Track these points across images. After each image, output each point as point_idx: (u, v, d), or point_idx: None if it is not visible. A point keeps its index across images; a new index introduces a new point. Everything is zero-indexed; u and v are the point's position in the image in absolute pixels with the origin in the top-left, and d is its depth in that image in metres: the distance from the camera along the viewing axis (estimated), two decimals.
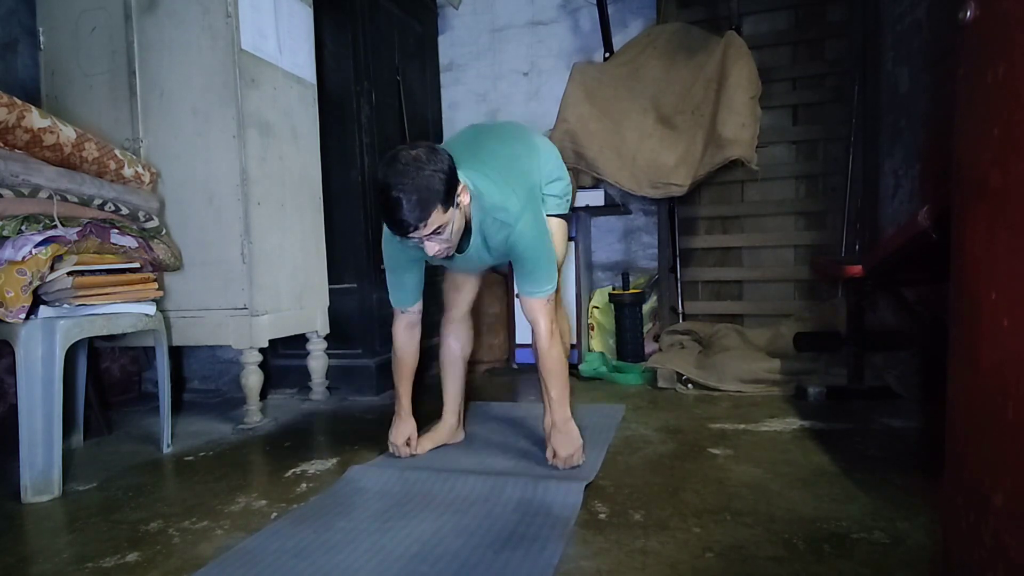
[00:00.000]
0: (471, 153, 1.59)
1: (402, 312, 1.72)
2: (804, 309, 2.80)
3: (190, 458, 1.89)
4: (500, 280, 3.11)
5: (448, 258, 1.55)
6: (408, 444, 1.76)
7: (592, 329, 3.12)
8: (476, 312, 2.99)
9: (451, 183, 1.36)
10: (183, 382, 2.92)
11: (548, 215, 1.72)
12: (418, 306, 1.73)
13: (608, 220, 3.42)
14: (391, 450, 1.77)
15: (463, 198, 1.42)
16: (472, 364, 3.07)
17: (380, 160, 1.38)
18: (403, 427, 1.77)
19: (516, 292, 1.64)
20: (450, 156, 1.39)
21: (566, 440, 1.61)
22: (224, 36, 2.10)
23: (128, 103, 2.19)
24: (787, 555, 1.14)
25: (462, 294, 1.86)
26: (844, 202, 2.81)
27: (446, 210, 1.36)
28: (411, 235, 1.35)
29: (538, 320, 1.60)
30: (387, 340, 1.80)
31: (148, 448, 2.01)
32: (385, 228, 1.61)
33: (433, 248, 1.41)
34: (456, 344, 1.88)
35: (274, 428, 2.20)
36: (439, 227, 1.37)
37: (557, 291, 1.67)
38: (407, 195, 1.30)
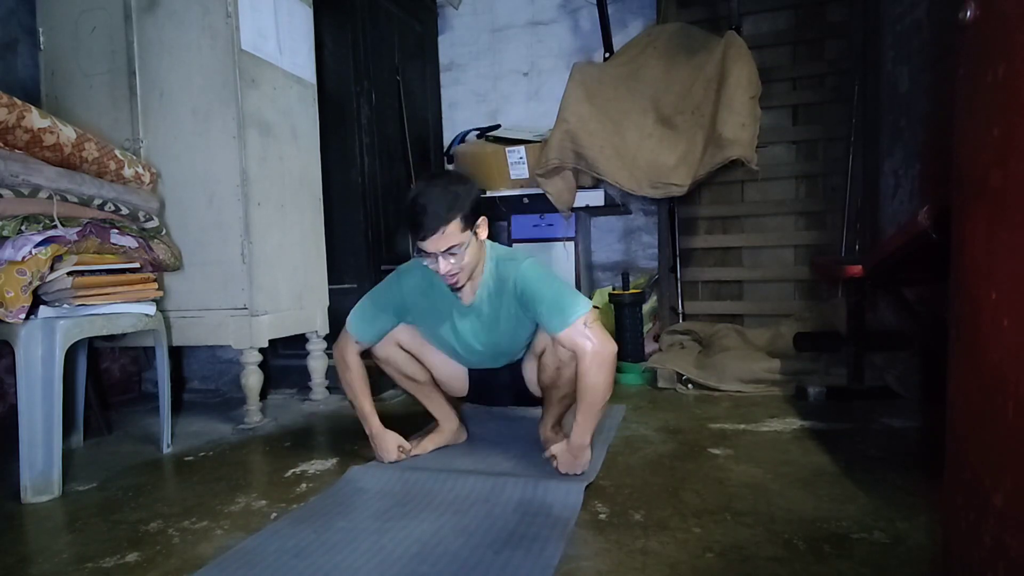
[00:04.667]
0: None
1: (356, 342, 1.67)
2: (804, 309, 2.80)
3: (190, 458, 1.89)
4: None
5: (452, 328, 1.63)
6: (401, 450, 1.71)
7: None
8: None
9: (475, 207, 1.47)
10: (183, 382, 2.92)
11: None
12: (369, 344, 1.70)
13: (608, 220, 3.42)
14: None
15: (481, 231, 1.51)
16: None
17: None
18: (387, 442, 1.70)
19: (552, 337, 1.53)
20: (480, 189, 1.50)
21: (572, 463, 1.54)
22: (224, 36, 2.09)
23: (128, 103, 2.19)
24: (787, 555, 1.14)
25: (427, 359, 1.76)
26: (844, 202, 2.81)
27: (464, 229, 1.44)
28: (428, 240, 1.41)
29: (582, 345, 1.44)
30: None
31: (148, 448, 2.01)
32: (391, 277, 1.66)
33: (445, 267, 1.44)
34: (417, 371, 1.77)
35: (274, 428, 2.20)
36: (455, 245, 1.42)
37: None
38: (432, 201, 1.40)
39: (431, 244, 1.41)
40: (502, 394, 1.83)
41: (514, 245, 3.17)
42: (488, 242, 1.58)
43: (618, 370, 2.76)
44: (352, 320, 1.68)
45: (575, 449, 1.53)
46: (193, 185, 2.16)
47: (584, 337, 1.45)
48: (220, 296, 2.15)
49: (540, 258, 1.65)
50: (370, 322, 1.67)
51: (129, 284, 1.85)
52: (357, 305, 1.69)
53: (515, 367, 1.77)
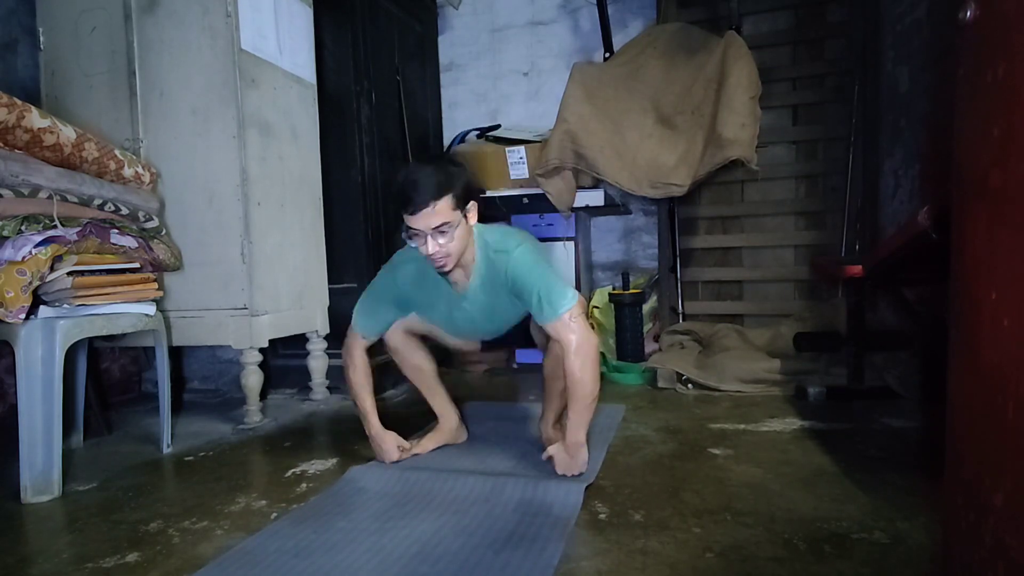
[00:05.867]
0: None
1: (363, 338, 1.70)
2: (804, 309, 2.80)
3: (190, 458, 1.89)
4: None
5: (449, 316, 1.64)
6: (401, 450, 1.72)
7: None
8: None
9: (467, 190, 1.45)
10: (183, 382, 2.92)
11: None
12: (377, 337, 1.73)
13: (608, 220, 3.42)
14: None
15: (471, 215, 1.49)
16: (472, 364, 3.09)
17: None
18: (386, 442, 1.72)
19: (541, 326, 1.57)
20: (473, 176, 1.49)
21: (568, 464, 1.55)
22: (224, 36, 2.09)
23: (128, 103, 2.19)
24: (787, 555, 1.14)
25: (436, 330, 1.78)
26: (844, 202, 2.81)
27: (455, 207, 1.42)
28: (418, 214, 1.39)
29: (567, 338, 1.47)
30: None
31: (148, 448, 2.01)
32: (384, 271, 1.67)
33: (433, 247, 1.43)
34: (424, 360, 1.81)
35: (274, 428, 2.20)
36: (445, 224, 1.41)
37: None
38: (425, 175, 1.39)
39: (421, 220, 1.39)
40: (514, 340, 1.84)
41: None
42: (477, 227, 1.56)
43: (618, 370, 2.79)
44: (355, 316, 1.71)
45: (571, 448, 1.54)
46: (193, 185, 2.16)
47: (569, 331, 1.48)
48: (220, 296, 2.15)
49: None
50: (372, 316, 1.69)
51: (129, 284, 1.85)
52: (359, 301, 1.71)
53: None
